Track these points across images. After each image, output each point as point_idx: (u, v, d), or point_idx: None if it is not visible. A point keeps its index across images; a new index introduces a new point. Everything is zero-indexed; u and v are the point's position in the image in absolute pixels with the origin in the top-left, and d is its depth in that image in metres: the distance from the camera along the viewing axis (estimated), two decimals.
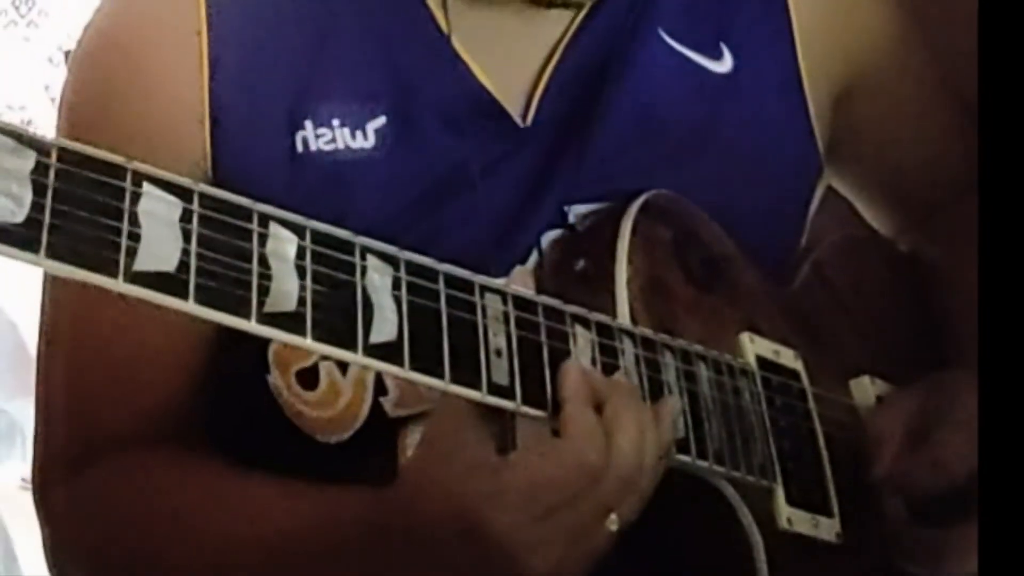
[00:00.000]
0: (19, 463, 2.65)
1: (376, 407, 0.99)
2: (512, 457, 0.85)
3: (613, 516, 0.85)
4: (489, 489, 0.83)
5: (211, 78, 1.00)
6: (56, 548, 1.03)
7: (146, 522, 0.99)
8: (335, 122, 1.00)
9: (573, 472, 0.84)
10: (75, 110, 1.05)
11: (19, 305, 2.57)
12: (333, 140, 1.00)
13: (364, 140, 1.00)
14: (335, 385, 0.99)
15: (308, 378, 1.00)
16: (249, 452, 0.99)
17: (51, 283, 1.03)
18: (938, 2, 1.27)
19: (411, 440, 0.98)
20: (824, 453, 1.02)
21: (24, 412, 2.50)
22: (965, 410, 0.99)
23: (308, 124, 1.00)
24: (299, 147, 1.00)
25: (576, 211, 1.02)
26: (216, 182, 0.99)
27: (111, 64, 1.03)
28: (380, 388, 0.98)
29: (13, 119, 2.69)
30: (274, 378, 1.00)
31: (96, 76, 1.04)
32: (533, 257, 1.01)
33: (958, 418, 1.00)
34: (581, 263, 0.98)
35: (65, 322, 1.02)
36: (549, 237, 1.02)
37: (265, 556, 0.94)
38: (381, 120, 1.01)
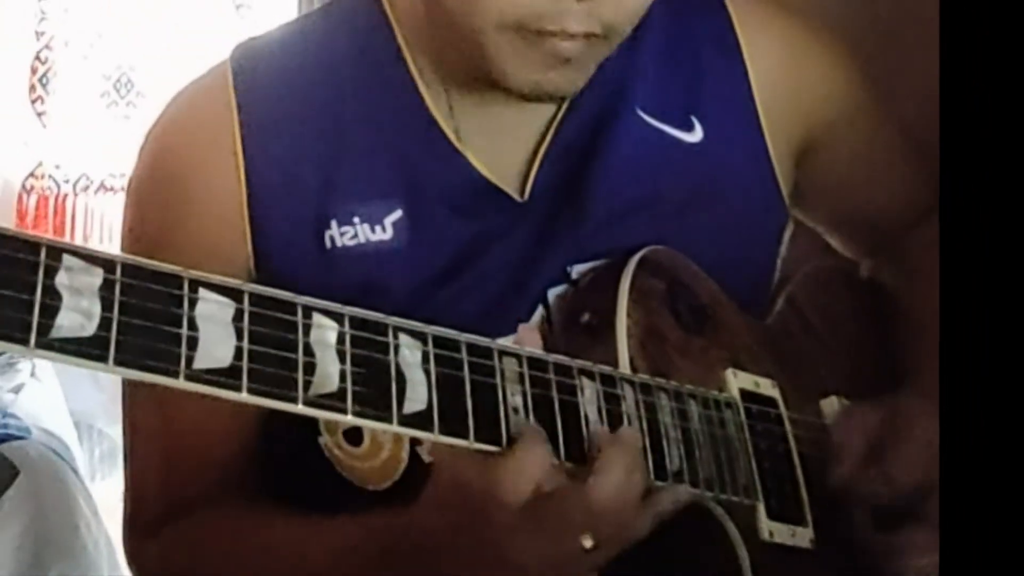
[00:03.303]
0: (120, 481, 2.63)
1: (414, 454, 0.96)
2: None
3: (588, 541, 0.82)
4: (487, 476, 0.80)
5: (248, 194, 0.97)
6: None
7: (215, 570, 0.97)
8: (356, 219, 0.97)
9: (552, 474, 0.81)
10: (136, 236, 1.02)
11: None
12: (356, 236, 0.97)
13: (383, 233, 0.97)
14: (376, 439, 0.97)
15: (353, 435, 0.98)
16: (307, 503, 0.97)
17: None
18: (895, 53, 1.23)
19: None
20: (799, 470, 0.98)
21: None
22: (916, 429, 0.96)
23: (333, 224, 0.97)
24: (327, 244, 0.97)
25: (578, 269, 0.99)
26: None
27: (163, 192, 1.00)
28: (415, 438, 0.95)
29: (116, 185, 2.69)
30: (325, 439, 0.98)
31: (151, 202, 1.01)
32: (539, 311, 0.98)
33: (911, 435, 0.96)
34: (586, 317, 0.95)
35: (143, 406, 1.02)
36: (555, 292, 0.99)
37: None
38: (397, 214, 0.98)
